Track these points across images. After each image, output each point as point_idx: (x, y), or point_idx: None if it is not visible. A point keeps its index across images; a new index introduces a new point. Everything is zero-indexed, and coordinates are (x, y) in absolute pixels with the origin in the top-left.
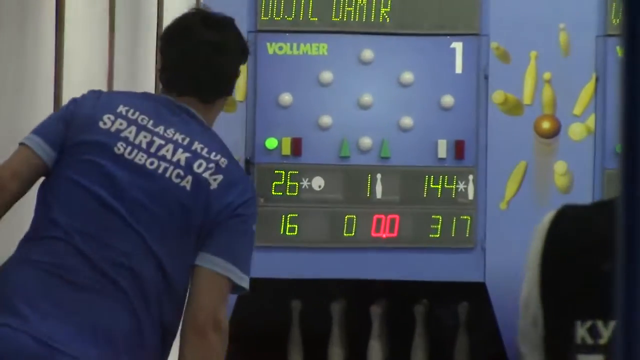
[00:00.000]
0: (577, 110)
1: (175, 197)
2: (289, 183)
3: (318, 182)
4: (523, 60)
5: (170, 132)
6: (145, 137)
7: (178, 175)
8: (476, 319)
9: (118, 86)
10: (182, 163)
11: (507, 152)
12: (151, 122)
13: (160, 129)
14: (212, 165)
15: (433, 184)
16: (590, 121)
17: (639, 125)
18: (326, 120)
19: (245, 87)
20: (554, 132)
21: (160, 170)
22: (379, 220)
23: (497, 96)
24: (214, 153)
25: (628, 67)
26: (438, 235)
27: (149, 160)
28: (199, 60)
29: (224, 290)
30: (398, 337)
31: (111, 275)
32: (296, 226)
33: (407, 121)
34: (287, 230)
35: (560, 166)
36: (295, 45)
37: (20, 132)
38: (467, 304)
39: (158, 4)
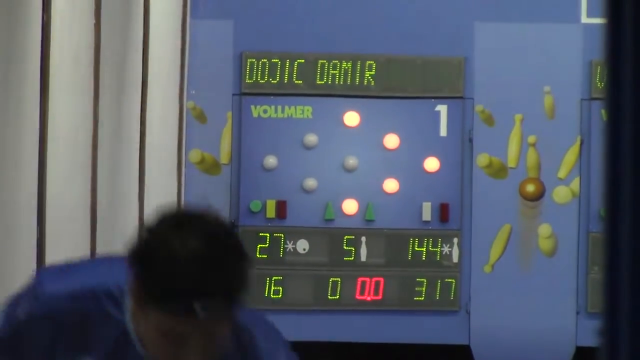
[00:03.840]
0: (562, 173)
1: None
2: (273, 246)
3: (303, 245)
4: (508, 123)
5: None
6: None
7: None
8: None
9: (102, 147)
10: None
11: (491, 215)
12: None
13: None
14: None
15: (418, 247)
16: (575, 184)
17: (622, 188)
18: (311, 183)
19: (229, 149)
20: (539, 195)
21: None
22: (363, 283)
23: (481, 159)
24: None
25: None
26: (423, 298)
27: None
28: None
29: None
30: None
31: None
32: (281, 289)
33: (391, 184)
34: (271, 293)
35: (544, 229)
36: (279, 108)
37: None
38: None
39: (143, 65)
